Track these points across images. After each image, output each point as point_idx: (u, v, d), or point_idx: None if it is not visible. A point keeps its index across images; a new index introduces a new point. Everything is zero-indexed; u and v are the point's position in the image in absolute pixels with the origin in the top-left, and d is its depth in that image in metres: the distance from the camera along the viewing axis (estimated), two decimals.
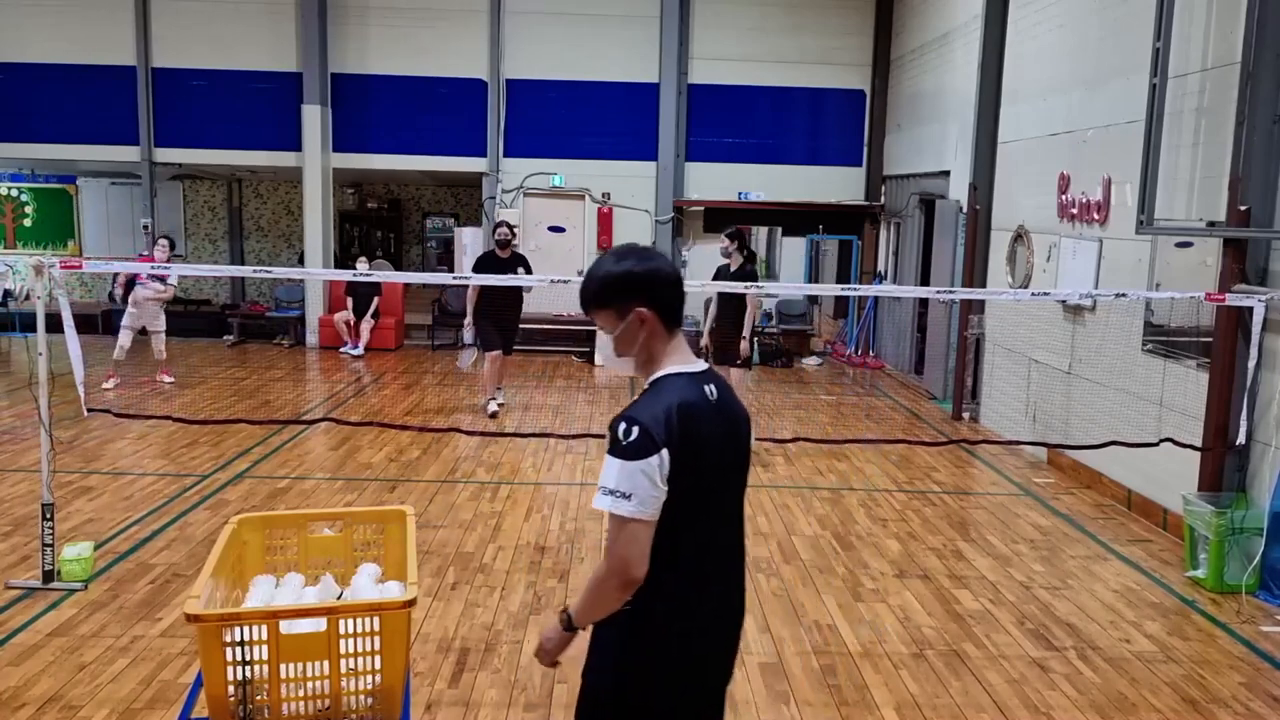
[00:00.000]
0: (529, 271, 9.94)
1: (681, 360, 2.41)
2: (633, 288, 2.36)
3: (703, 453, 2.30)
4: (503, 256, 9.78)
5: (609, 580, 2.29)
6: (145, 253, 12.73)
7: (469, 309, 9.71)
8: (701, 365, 2.44)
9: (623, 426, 2.24)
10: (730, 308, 8.56)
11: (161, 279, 10.87)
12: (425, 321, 14.98)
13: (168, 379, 11.15)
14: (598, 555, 5.95)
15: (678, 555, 2.32)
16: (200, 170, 16.42)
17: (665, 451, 2.22)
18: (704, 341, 9.08)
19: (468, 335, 9.97)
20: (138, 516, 6.55)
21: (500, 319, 9.72)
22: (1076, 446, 7.69)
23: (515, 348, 10.54)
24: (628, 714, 2.40)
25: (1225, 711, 4.38)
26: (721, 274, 8.66)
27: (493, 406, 9.89)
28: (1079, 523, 7.06)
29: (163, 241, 10.96)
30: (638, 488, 2.21)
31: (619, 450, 2.23)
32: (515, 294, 9.83)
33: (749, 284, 7.89)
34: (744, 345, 8.52)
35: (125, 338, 10.97)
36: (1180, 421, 6.67)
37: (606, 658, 2.42)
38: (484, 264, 9.82)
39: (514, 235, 10.00)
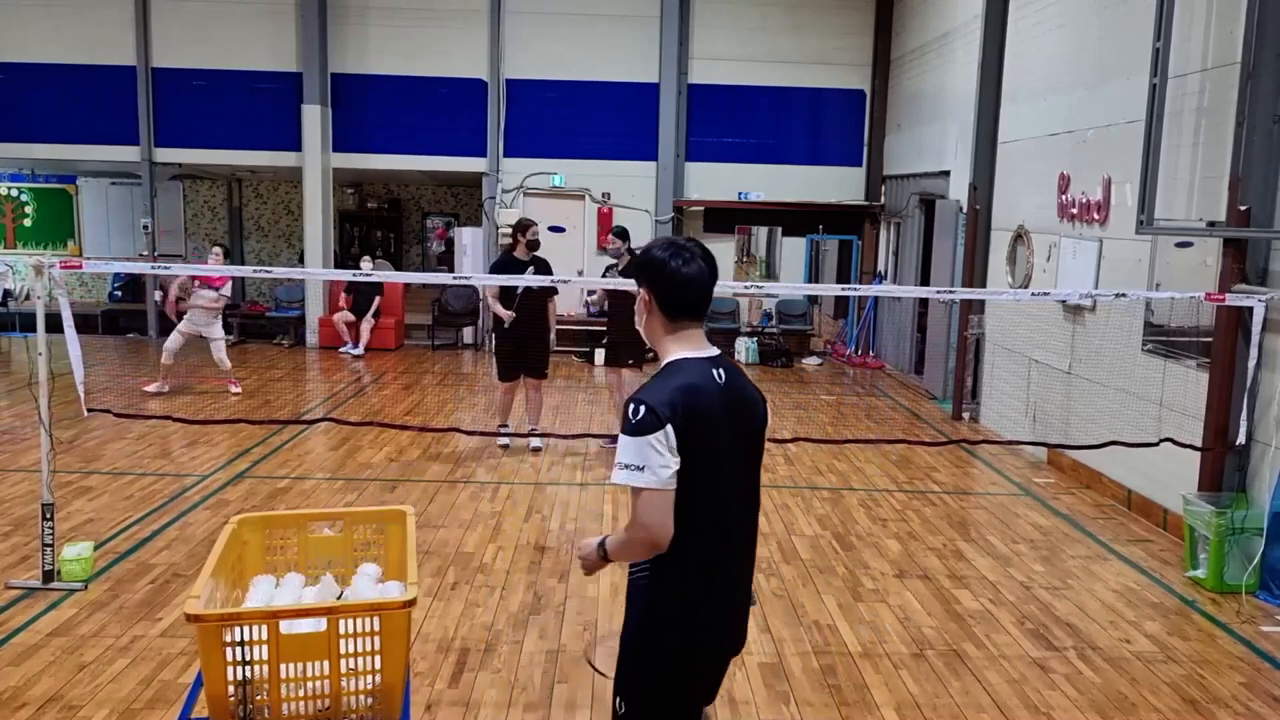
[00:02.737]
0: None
1: (690, 347, 2.61)
2: (645, 270, 2.64)
3: (710, 427, 2.50)
4: (522, 259, 8.28)
5: (634, 545, 2.52)
6: (145, 253, 12.67)
7: (497, 309, 8.27)
8: (713, 351, 2.63)
9: (631, 407, 2.46)
10: (623, 308, 7.92)
11: (214, 286, 10.36)
12: (425, 321, 14.98)
13: (234, 389, 10.59)
14: None
15: (693, 524, 2.50)
16: (200, 170, 16.42)
17: (669, 427, 2.42)
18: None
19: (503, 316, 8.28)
20: (138, 516, 6.55)
21: (518, 334, 8.32)
22: (1076, 446, 7.68)
23: None
24: (647, 669, 2.60)
25: (1225, 711, 4.38)
26: (610, 275, 8.51)
27: (503, 440, 8.66)
28: (1079, 523, 7.06)
29: (216, 250, 10.44)
30: (648, 460, 2.42)
31: (629, 428, 2.44)
32: (538, 305, 8.32)
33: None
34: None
35: (174, 341, 10.41)
36: (1180, 421, 6.67)
37: (633, 617, 2.63)
38: (501, 268, 8.52)
39: (524, 235, 8.36)
